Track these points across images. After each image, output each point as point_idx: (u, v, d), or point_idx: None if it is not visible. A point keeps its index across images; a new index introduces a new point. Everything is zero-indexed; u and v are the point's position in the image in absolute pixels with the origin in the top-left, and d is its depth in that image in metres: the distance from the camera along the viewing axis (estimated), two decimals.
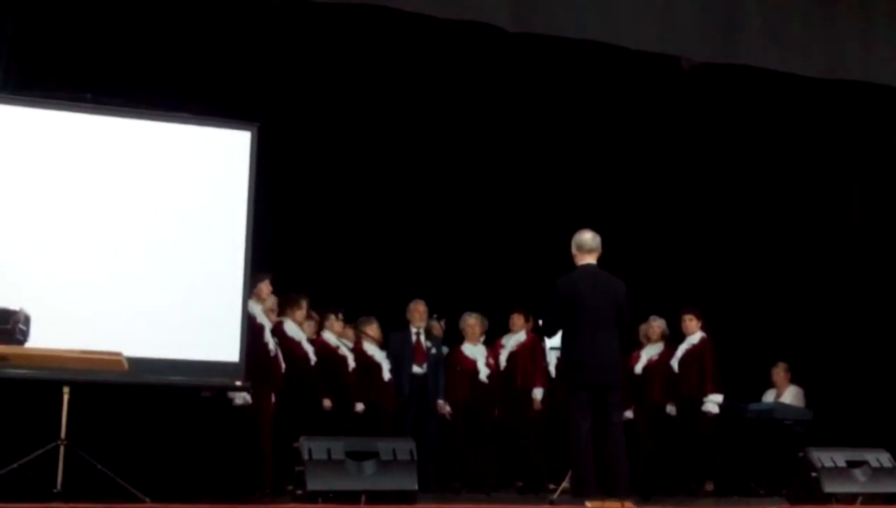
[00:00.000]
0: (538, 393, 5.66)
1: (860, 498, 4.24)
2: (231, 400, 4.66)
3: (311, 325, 5.31)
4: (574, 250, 4.15)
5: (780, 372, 5.94)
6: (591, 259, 4.12)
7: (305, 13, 5.21)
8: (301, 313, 5.12)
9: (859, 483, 4.25)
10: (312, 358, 5.13)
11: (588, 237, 4.13)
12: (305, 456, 3.65)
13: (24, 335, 2.93)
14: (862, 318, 5.73)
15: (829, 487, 4.18)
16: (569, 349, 4.07)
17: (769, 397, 5.96)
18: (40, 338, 3.07)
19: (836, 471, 4.22)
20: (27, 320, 2.92)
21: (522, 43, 4.94)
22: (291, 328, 5.08)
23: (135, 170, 4.48)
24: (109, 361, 3.02)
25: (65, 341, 3.35)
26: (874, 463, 4.31)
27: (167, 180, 4.52)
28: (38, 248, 4.25)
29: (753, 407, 5.80)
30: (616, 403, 4.07)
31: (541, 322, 4.69)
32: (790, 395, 5.89)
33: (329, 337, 5.37)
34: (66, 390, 4.01)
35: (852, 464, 4.28)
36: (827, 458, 4.24)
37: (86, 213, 4.37)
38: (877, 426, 5.28)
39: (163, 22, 5.18)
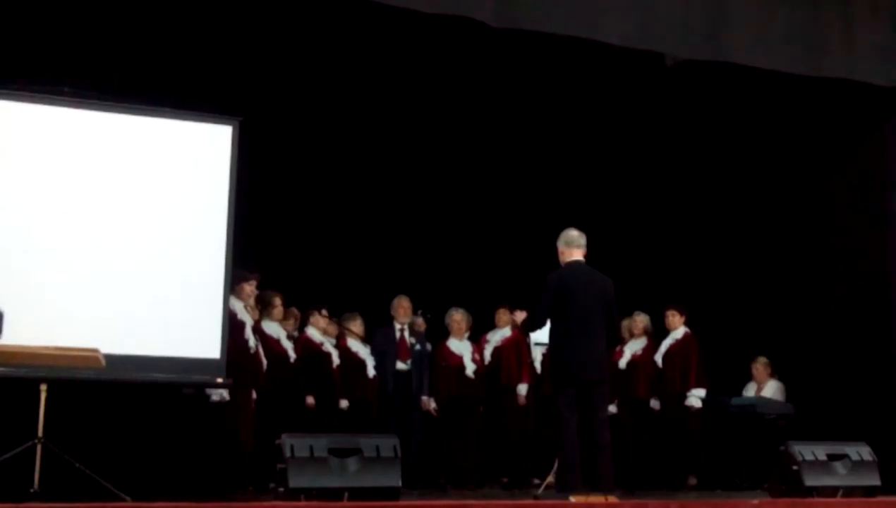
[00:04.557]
0: (523, 388, 5.67)
1: (841, 492, 4.27)
2: (208, 397, 4.61)
3: (290, 322, 5.28)
4: (562, 247, 4.18)
5: (759, 367, 5.98)
6: (578, 255, 4.15)
7: (289, 6, 5.16)
8: (277, 310, 5.08)
9: (840, 477, 4.28)
10: (292, 355, 5.10)
11: (575, 234, 4.18)
12: (287, 454, 3.61)
13: None
14: (842, 312, 5.79)
15: (810, 480, 4.21)
16: (558, 345, 4.10)
17: (749, 391, 6.00)
18: (15, 335, 3.02)
19: (816, 465, 4.25)
20: (0, 316, 2.86)
21: (506, 38, 4.92)
22: (270, 326, 5.05)
23: (114, 165, 4.41)
24: (86, 358, 2.98)
25: (41, 338, 3.30)
26: (854, 457, 4.34)
27: (147, 175, 4.46)
28: (12, 243, 4.18)
29: (736, 401, 5.84)
30: (602, 398, 4.11)
31: (523, 316, 4.69)
32: (770, 390, 5.93)
33: (313, 333, 5.34)
34: (43, 388, 3.95)
35: (833, 458, 4.30)
36: (808, 452, 4.26)
37: (63, 208, 4.30)
38: (857, 419, 5.33)
39: (143, 14, 5.10)
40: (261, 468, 4.58)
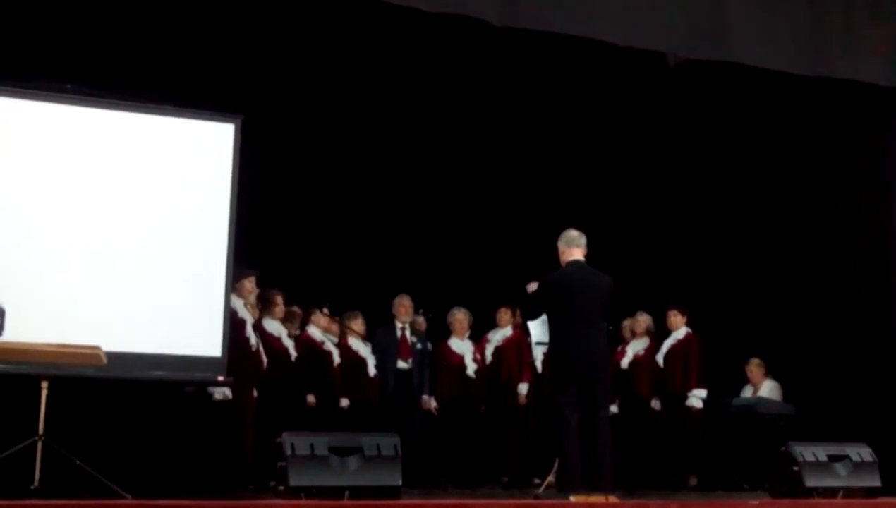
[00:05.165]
0: (523, 387, 5.67)
1: (841, 492, 4.28)
2: (210, 395, 4.61)
3: (294, 321, 5.28)
4: (562, 247, 4.21)
5: (753, 368, 5.97)
6: (578, 255, 4.17)
7: (290, 5, 5.16)
8: (278, 309, 5.08)
9: (840, 478, 4.28)
10: (293, 353, 5.11)
11: (575, 234, 4.21)
12: (288, 452, 3.62)
13: None
14: (843, 312, 5.78)
15: (811, 481, 4.21)
16: (558, 344, 4.11)
17: (747, 393, 6.00)
18: (16, 332, 3.02)
19: (817, 465, 4.26)
20: (1, 313, 2.87)
21: (509, 37, 4.92)
22: (270, 324, 5.05)
23: (115, 163, 4.41)
24: (87, 355, 2.98)
25: (42, 335, 3.30)
26: (855, 458, 4.35)
27: (149, 173, 4.46)
28: (13, 240, 4.18)
29: (737, 401, 5.84)
30: (603, 397, 4.13)
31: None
32: (766, 390, 5.92)
33: (314, 331, 5.34)
34: (44, 385, 3.95)
35: (833, 458, 4.31)
36: (808, 452, 4.27)
37: (65, 206, 4.30)
38: (858, 420, 5.33)
39: (144, 11, 5.11)
40: (261, 466, 4.57)
